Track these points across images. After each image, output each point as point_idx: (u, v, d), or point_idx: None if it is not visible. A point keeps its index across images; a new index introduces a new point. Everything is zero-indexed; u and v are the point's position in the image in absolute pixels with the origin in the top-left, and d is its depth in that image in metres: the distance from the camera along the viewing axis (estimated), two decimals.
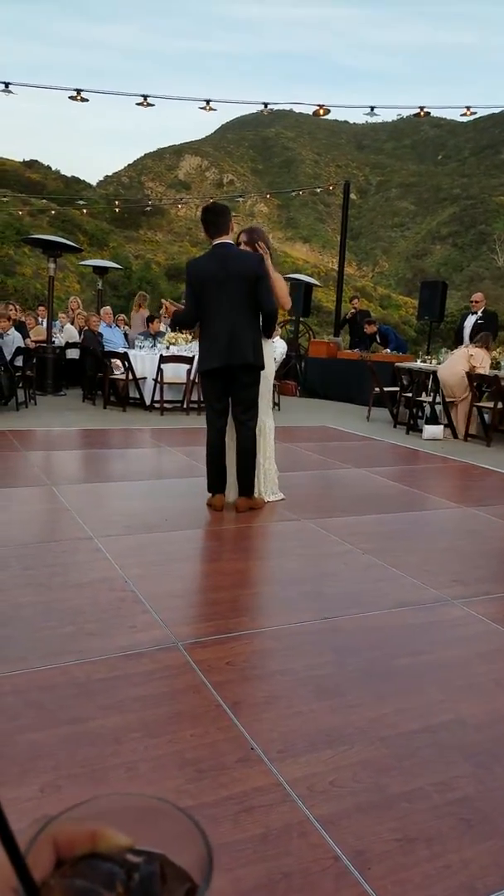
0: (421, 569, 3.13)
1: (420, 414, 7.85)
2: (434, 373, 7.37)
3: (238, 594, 2.75)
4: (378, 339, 10.64)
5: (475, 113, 12.68)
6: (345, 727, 1.84)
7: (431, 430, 7.15)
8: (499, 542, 3.72)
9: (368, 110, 12.65)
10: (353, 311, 11.87)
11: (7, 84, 10.85)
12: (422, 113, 12.47)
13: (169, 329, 9.98)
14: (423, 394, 7.49)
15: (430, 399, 7.34)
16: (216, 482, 4.02)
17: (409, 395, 7.86)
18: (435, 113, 14.03)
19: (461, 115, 12.65)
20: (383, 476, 5.18)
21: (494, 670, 2.24)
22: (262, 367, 3.91)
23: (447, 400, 7.26)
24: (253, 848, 1.38)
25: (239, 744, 1.74)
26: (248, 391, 3.89)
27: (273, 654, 2.28)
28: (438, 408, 7.48)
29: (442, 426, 7.18)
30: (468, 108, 12.16)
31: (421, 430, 7.26)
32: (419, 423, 7.53)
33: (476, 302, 8.81)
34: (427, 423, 7.28)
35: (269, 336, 4.04)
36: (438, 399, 7.39)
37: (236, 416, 3.95)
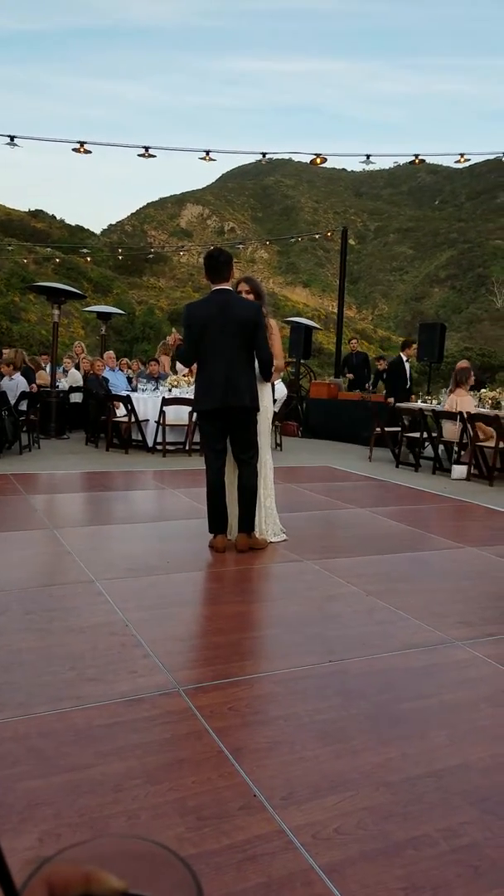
0: (426, 610, 3.10)
1: (420, 453, 7.90)
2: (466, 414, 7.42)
3: (240, 637, 2.73)
4: (385, 377, 10.82)
5: (469, 160, 13.08)
6: (349, 772, 1.81)
7: (459, 470, 7.22)
8: (502, 584, 3.69)
9: (365, 158, 13.08)
10: (351, 351, 12.13)
11: (12, 137, 11.26)
12: (417, 160, 12.87)
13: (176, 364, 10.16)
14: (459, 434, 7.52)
15: (457, 440, 7.40)
16: (217, 523, 4.02)
17: (415, 435, 7.91)
18: (431, 160, 14.47)
19: (455, 162, 13.06)
20: (386, 516, 5.17)
21: (501, 714, 2.21)
22: (258, 410, 3.97)
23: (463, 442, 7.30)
24: None
25: (241, 791, 1.71)
26: (246, 431, 3.94)
27: (276, 699, 2.25)
28: (442, 448, 7.53)
29: (467, 466, 7.23)
30: (462, 154, 12.55)
31: (448, 471, 7.38)
32: (421, 462, 7.54)
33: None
34: (455, 463, 7.36)
35: (268, 380, 4.10)
36: (453, 439, 7.44)
37: (237, 455, 3.98)
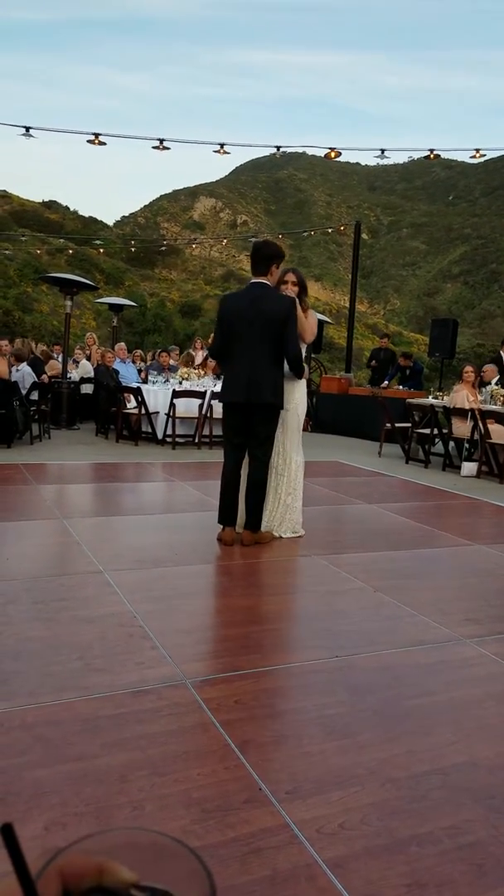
0: (434, 607, 3.09)
1: (430, 449, 7.86)
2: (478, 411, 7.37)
3: (248, 631, 2.73)
4: (407, 373, 10.82)
5: (485, 155, 12.93)
6: (355, 768, 1.81)
7: (469, 467, 7.19)
8: None
9: (379, 153, 12.98)
10: (380, 346, 12.20)
11: (28, 128, 11.26)
12: (432, 155, 12.75)
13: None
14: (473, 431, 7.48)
15: (468, 436, 7.36)
16: (227, 514, 4.03)
17: (425, 431, 7.87)
18: (445, 155, 14.29)
19: (471, 157, 12.93)
20: (395, 512, 5.16)
21: None
22: (281, 407, 3.95)
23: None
24: (260, 891, 1.35)
25: (246, 784, 1.71)
26: (265, 427, 3.92)
27: (283, 693, 2.25)
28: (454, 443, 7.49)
29: (477, 463, 7.19)
30: (478, 150, 12.42)
31: (458, 468, 7.34)
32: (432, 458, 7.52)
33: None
34: (465, 460, 7.33)
35: (300, 377, 4.08)
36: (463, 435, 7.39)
37: (250, 448, 3.97)
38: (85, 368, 11.00)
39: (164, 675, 2.28)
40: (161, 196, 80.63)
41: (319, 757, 1.85)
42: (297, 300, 3.97)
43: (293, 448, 4.15)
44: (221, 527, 4.04)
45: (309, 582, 3.49)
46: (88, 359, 11.51)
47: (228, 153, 11.77)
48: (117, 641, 2.53)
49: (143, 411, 8.41)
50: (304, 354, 4.08)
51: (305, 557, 3.85)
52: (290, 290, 4.01)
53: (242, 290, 4.03)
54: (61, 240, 43.61)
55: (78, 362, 11.32)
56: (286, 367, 3.93)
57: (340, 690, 2.26)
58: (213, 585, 3.43)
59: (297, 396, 4.07)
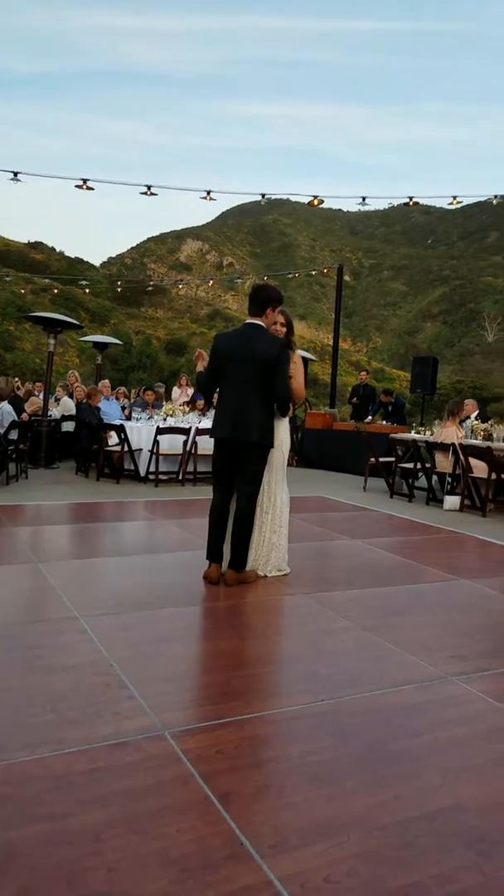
0: (420, 645, 3.04)
1: (414, 483, 7.88)
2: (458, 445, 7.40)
3: (231, 676, 2.65)
4: (389, 409, 10.93)
5: (461, 202, 13.34)
6: (340, 816, 1.74)
7: (452, 501, 7.19)
8: (497, 616, 3.64)
9: (361, 200, 13.37)
10: (360, 382, 12.35)
11: (16, 173, 11.43)
12: (411, 202, 13.14)
13: (185, 396, 10.21)
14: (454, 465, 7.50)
15: (450, 470, 7.37)
16: (213, 550, 3.98)
17: (409, 466, 7.89)
18: (424, 201, 14.72)
19: (448, 204, 13.33)
20: (381, 548, 5.12)
21: (494, 751, 2.15)
22: (270, 446, 3.95)
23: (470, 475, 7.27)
24: None
25: (228, 839, 1.63)
26: (253, 465, 3.92)
27: (266, 741, 2.17)
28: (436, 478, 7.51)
29: (460, 497, 7.19)
30: (454, 197, 12.82)
31: (441, 502, 7.35)
32: (415, 493, 7.52)
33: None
34: (448, 493, 7.33)
35: (284, 416, 4.09)
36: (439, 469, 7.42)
37: (238, 484, 3.96)
38: (66, 406, 10.94)
39: (141, 726, 2.19)
40: (148, 238, 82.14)
41: (304, 807, 1.78)
42: (287, 341, 4.02)
43: (278, 485, 4.13)
44: (208, 563, 3.98)
45: (294, 622, 3.42)
46: (70, 396, 11.47)
47: (215, 199, 12.04)
48: (93, 691, 2.44)
49: (125, 448, 8.35)
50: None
51: (291, 596, 3.78)
52: (278, 330, 4.05)
53: (236, 329, 4.09)
54: (46, 280, 44.04)
55: (59, 400, 11.27)
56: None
57: (325, 736, 2.19)
58: (194, 629, 3.34)
59: (281, 433, 4.07)
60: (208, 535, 4.00)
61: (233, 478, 3.96)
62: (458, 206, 13.68)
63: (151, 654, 2.82)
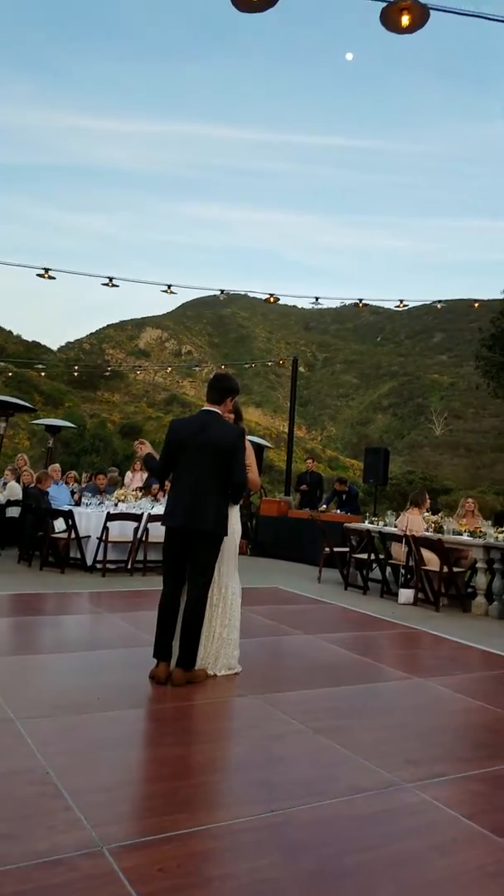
0: (374, 749, 2.95)
1: (368, 574, 7.88)
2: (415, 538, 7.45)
3: (175, 786, 2.50)
4: (343, 498, 11.04)
5: (407, 305, 14.26)
6: None
7: (406, 594, 7.18)
8: (450, 717, 3.58)
9: (314, 300, 14.22)
10: (306, 469, 12.49)
11: None
12: (361, 304, 13.99)
13: (139, 481, 10.10)
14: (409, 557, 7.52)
15: (403, 562, 7.40)
16: (161, 647, 3.81)
17: (363, 556, 7.92)
18: (373, 303, 15.72)
19: (396, 307, 14.22)
20: (335, 643, 5.03)
21: (450, 865, 2.06)
22: (224, 534, 3.89)
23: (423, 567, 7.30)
24: None
25: None
26: (205, 555, 3.83)
27: (212, 857, 2.04)
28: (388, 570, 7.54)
29: (414, 590, 7.19)
30: (401, 300, 13.71)
31: (395, 594, 7.32)
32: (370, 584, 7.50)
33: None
34: (402, 586, 7.32)
35: (236, 503, 4.06)
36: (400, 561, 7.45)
37: (190, 575, 3.85)
38: (13, 490, 10.64)
39: (78, 840, 2.03)
40: (108, 325, 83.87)
41: None
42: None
43: (229, 576, 4.01)
44: (156, 662, 3.81)
45: (244, 726, 3.28)
46: (18, 480, 11.22)
47: (175, 293, 12.53)
48: (26, 802, 2.26)
49: (72, 535, 8.09)
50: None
51: (241, 698, 3.64)
52: (228, 417, 4.10)
53: (193, 415, 4.09)
54: (1, 363, 44.02)
55: (6, 484, 10.98)
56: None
57: (275, 851, 2.06)
58: (138, 734, 3.16)
59: (232, 521, 4.01)
60: (156, 631, 3.84)
61: (184, 568, 3.87)
62: (405, 308, 14.61)
63: (91, 761, 2.65)
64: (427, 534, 7.52)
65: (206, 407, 4.00)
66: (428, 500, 8.10)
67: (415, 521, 7.59)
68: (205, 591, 3.84)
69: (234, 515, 4.06)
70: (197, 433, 3.87)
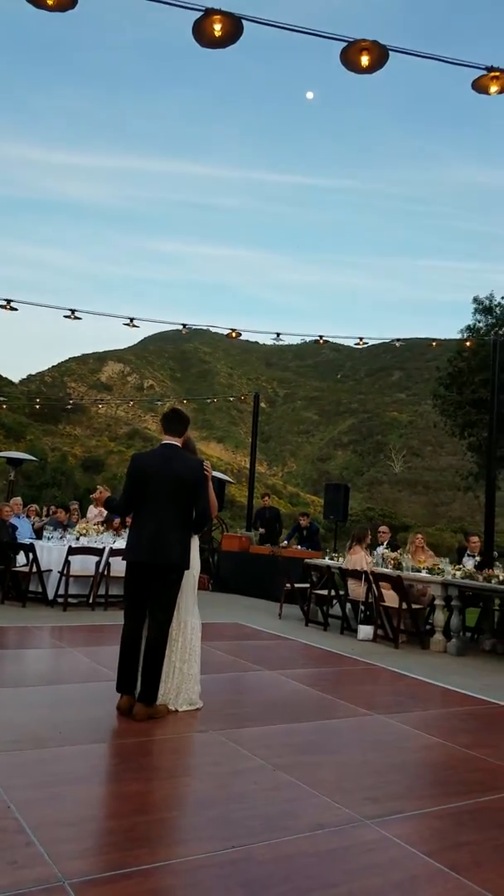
0: (334, 785, 2.98)
1: (328, 610, 7.93)
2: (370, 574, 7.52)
3: (136, 822, 2.49)
4: (304, 534, 11.09)
5: (367, 343, 14.65)
6: None
7: (365, 631, 7.23)
8: (410, 754, 3.64)
9: (275, 335, 14.46)
10: (264, 506, 12.50)
11: None
12: (321, 341, 14.30)
13: (101, 516, 9.96)
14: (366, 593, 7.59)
15: (363, 598, 7.47)
16: (124, 681, 3.80)
17: (323, 592, 7.97)
18: (333, 340, 15.93)
19: (355, 344, 14.60)
20: (296, 679, 5.06)
21: None
22: (187, 568, 3.91)
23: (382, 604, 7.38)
24: None
25: None
26: (168, 590, 3.84)
27: (173, 894, 2.05)
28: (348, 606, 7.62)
29: (373, 627, 7.25)
30: (361, 338, 14.10)
31: (355, 631, 7.37)
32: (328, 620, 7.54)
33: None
34: (361, 623, 7.37)
35: (199, 531, 4.08)
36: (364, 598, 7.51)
37: (152, 610, 3.85)
38: None
39: (39, 876, 2.01)
40: (70, 358, 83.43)
41: None
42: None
43: (188, 611, 4.00)
44: (119, 695, 3.79)
45: (205, 762, 3.27)
46: None
47: (137, 326, 12.61)
48: None
49: (34, 569, 7.98)
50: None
51: (202, 733, 3.63)
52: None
53: (154, 449, 4.10)
54: None
55: None
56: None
57: (235, 888, 2.08)
58: (99, 769, 3.13)
59: (192, 556, 4.02)
60: (118, 665, 3.84)
61: (146, 603, 3.87)
62: (364, 346, 15.00)
63: (52, 797, 2.62)
64: (386, 570, 7.65)
65: (167, 440, 4.01)
66: (369, 536, 8.22)
67: (358, 560, 7.72)
68: (166, 626, 3.85)
69: (194, 550, 4.09)
70: (161, 467, 3.89)
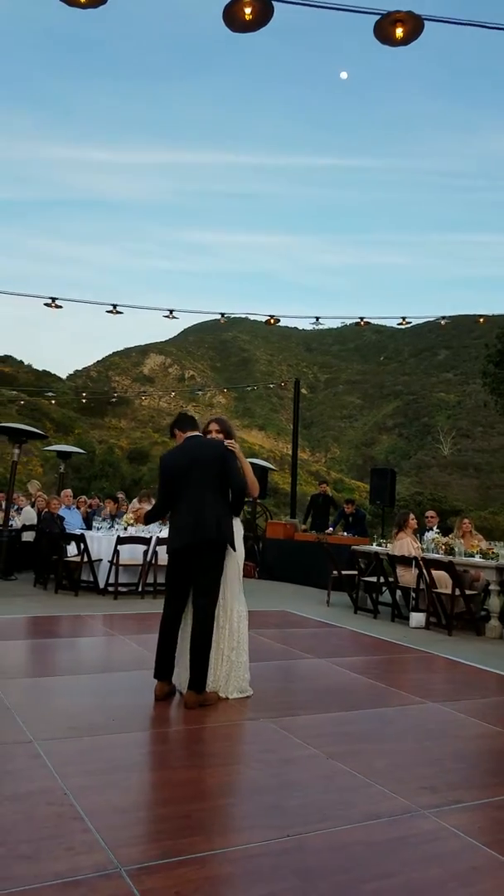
0: (389, 775, 2.93)
1: (377, 598, 7.83)
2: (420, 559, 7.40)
3: (191, 809, 2.50)
4: (350, 520, 10.98)
5: (410, 322, 14.31)
6: None
7: (417, 618, 7.11)
8: (466, 742, 3.55)
9: (315, 320, 14.28)
10: (320, 492, 12.39)
11: None
12: (362, 322, 14.03)
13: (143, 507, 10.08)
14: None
15: (414, 586, 7.35)
16: (162, 666, 3.85)
17: (372, 579, 7.87)
18: (375, 321, 15.60)
19: (398, 324, 14.28)
20: (346, 667, 5.01)
21: (471, 895, 2.03)
22: (227, 544, 3.90)
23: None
24: None
25: None
26: (209, 574, 3.85)
27: (228, 881, 2.03)
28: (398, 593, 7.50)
29: (425, 614, 7.13)
30: (404, 318, 13.79)
31: (407, 618, 7.25)
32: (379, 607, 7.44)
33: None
34: (413, 610, 7.27)
35: (237, 513, 4.07)
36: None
37: (194, 598, 3.87)
38: (28, 515, 10.74)
39: (96, 862, 2.03)
40: (113, 353, 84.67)
41: None
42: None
43: (234, 597, 3.98)
44: (156, 679, 3.83)
45: (257, 750, 3.26)
46: (32, 506, 11.29)
47: (177, 318, 12.69)
48: (46, 823, 2.27)
49: (85, 559, 8.16)
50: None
51: (253, 721, 3.63)
52: (216, 437, 4.13)
53: (180, 444, 4.14)
54: (13, 392, 44.46)
55: (21, 509, 11.07)
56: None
57: (290, 876, 2.06)
58: (152, 756, 3.16)
59: (235, 542, 3.98)
60: (157, 651, 3.88)
61: (187, 590, 3.89)
62: (408, 325, 14.62)
63: (107, 784, 2.65)
64: (437, 555, 7.50)
65: (189, 434, 4.09)
66: (412, 520, 8.04)
67: (405, 546, 7.57)
68: (210, 613, 3.84)
69: (238, 536, 4.05)
70: (186, 457, 3.97)
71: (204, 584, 3.85)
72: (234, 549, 3.95)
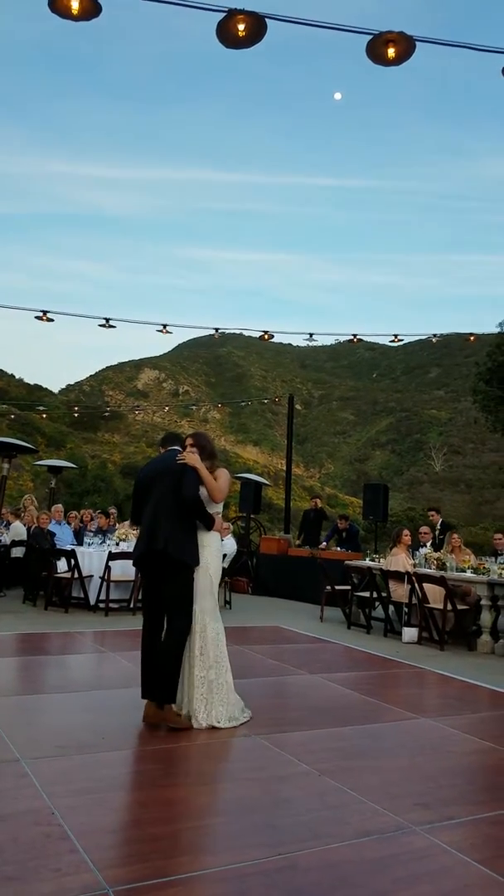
0: (382, 791, 2.90)
1: (370, 613, 7.81)
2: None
3: (180, 828, 2.47)
4: (344, 536, 10.96)
5: (402, 340, 14.37)
6: None
7: (410, 633, 7.08)
8: (459, 758, 3.52)
9: (308, 336, 14.32)
10: (311, 507, 12.36)
11: None
12: (355, 339, 14.10)
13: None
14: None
15: (405, 601, 7.32)
16: (146, 686, 3.79)
17: (365, 594, 7.85)
18: (368, 338, 15.65)
19: (390, 342, 14.36)
20: (339, 683, 4.97)
21: None
22: (183, 562, 3.75)
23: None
24: None
25: None
26: (172, 587, 3.74)
27: None
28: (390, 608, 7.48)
29: (417, 629, 7.09)
30: (396, 335, 13.85)
31: (399, 633, 7.22)
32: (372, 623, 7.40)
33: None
34: (405, 625, 7.23)
35: (209, 528, 3.89)
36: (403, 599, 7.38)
37: (164, 611, 3.81)
38: (17, 531, 10.64)
39: (84, 883, 2.00)
40: (107, 367, 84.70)
41: None
42: (200, 458, 3.90)
43: (205, 612, 3.79)
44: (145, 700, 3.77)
45: (249, 767, 3.23)
46: (21, 520, 11.20)
47: (171, 332, 12.69)
48: (32, 843, 2.23)
49: (75, 575, 8.07)
50: (219, 512, 4.00)
51: (245, 738, 3.59)
52: (189, 451, 3.97)
53: (150, 460, 4.22)
54: (4, 405, 44.31)
55: (10, 525, 10.98)
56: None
57: None
58: (141, 774, 3.12)
59: (206, 555, 3.83)
60: (141, 673, 3.84)
61: (159, 606, 3.84)
62: (400, 343, 14.70)
63: (95, 803, 2.61)
64: (429, 571, 7.49)
65: (168, 449, 4.14)
66: (406, 536, 8.03)
67: (396, 561, 7.57)
68: (177, 626, 3.72)
69: (211, 548, 3.89)
70: (156, 469, 4.04)
71: (169, 598, 3.78)
72: (194, 563, 3.79)
